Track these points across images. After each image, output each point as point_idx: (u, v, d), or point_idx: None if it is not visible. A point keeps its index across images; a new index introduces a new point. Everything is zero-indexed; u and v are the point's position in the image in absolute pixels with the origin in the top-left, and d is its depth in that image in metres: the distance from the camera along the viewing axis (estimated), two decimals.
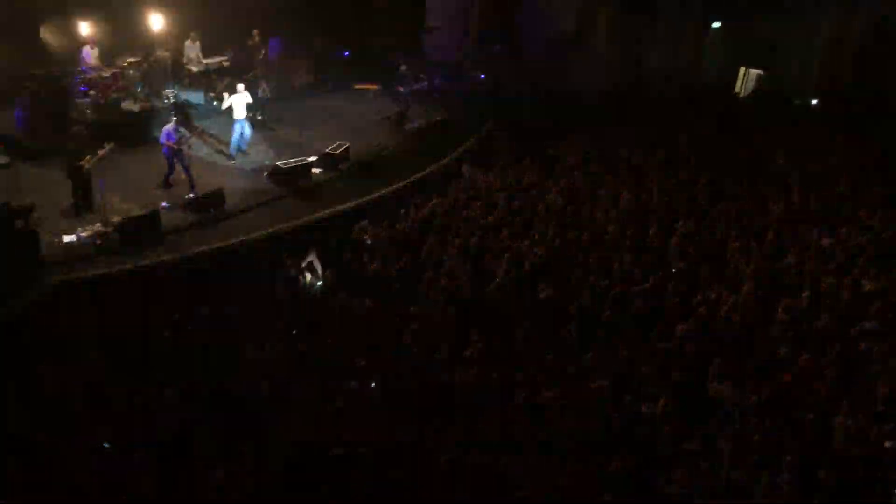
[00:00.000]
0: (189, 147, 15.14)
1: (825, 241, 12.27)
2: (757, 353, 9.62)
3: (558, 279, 11.54)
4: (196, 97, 19.15)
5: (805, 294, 10.75)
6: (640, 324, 10.46)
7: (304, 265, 12.10)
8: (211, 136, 18.09)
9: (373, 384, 9.30)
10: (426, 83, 22.02)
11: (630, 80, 24.08)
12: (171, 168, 15.48)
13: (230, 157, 17.19)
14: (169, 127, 15.27)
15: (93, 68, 17.86)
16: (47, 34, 18.21)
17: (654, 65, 23.67)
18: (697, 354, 9.51)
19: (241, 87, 17.25)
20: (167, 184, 15.50)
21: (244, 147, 17.47)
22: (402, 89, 20.77)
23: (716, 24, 23.38)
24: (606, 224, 13.40)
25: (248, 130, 17.30)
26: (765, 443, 7.95)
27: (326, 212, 15.39)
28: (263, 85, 19.79)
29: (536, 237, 12.86)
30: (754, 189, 14.75)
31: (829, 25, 21.47)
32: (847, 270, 11.28)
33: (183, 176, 15.43)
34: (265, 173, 16.49)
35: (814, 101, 20.81)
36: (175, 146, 15.17)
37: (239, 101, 17.07)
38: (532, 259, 12.07)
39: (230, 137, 17.27)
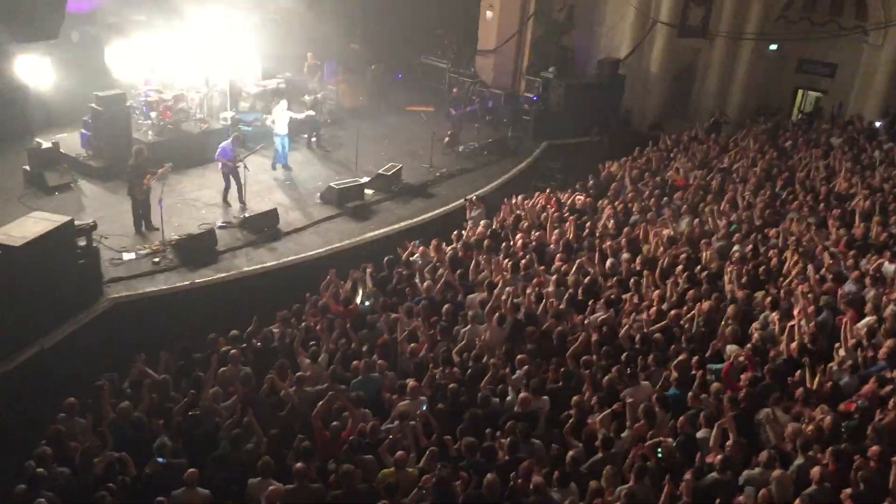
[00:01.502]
0: (244, 166, 15.43)
1: (887, 268, 11.93)
2: (815, 381, 9.37)
3: (610, 303, 11.42)
4: (253, 118, 19.56)
5: (865, 321, 10.45)
6: (695, 350, 10.28)
7: (355, 284, 12.19)
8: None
9: (423, 406, 9.28)
10: (479, 105, 22.13)
11: (685, 102, 23.88)
12: (228, 185, 15.79)
13: (273, 166, 17.59)
14: (225, 144, 15.64)
15: (154, 91, 18.39)
16: (112, 57, 18.74)
17: (709, 88, 23.42)
18: (752, 382, 9.29)
19: (283, 102, 17.61)
20: (225, 201, 15.81)
21: (284, 161, 17.71)
22: (454, 111, 20.89)
23: (773, 47, 23.03)
24: (661, 247, 13.23)
25: (287, 146, 17.60)
26: (823, 477, 7.72)
27: (378, 232, 15.54)
28: (320, 106, 20.08)
29: (587, 260, 12.75)
30: (814, 214, 14.42)
31: (889, 47, 20.97)
32: None
33: (237, 194, 15.76)
34: (318, 194, 16.73)
35: (877, 124, 20.30)
36: (231, 163, 15.49)
37: (281, 116, 17.38)
38: (583, 282, 11.96)
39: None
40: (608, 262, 12.68)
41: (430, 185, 18.04)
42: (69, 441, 8.68)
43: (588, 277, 12.09)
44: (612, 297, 11.59)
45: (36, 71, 16.54)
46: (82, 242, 12.28)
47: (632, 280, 11.99)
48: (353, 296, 12.05)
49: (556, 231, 13.92)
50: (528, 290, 11.78)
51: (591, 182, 16.98)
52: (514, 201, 15.61)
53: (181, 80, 19.32)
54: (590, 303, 11.35)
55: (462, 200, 16.15)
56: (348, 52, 23.87)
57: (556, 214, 14.77)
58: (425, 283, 12.10)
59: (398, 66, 24.40)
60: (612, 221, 14.42)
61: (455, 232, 14.21)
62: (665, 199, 15.63)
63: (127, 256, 13.58)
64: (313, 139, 19.49)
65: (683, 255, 12.74)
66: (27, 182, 15.91)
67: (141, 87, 18.54)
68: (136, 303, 12.53)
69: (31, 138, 17.02)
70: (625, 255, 12.89)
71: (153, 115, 17.82)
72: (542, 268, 12.64)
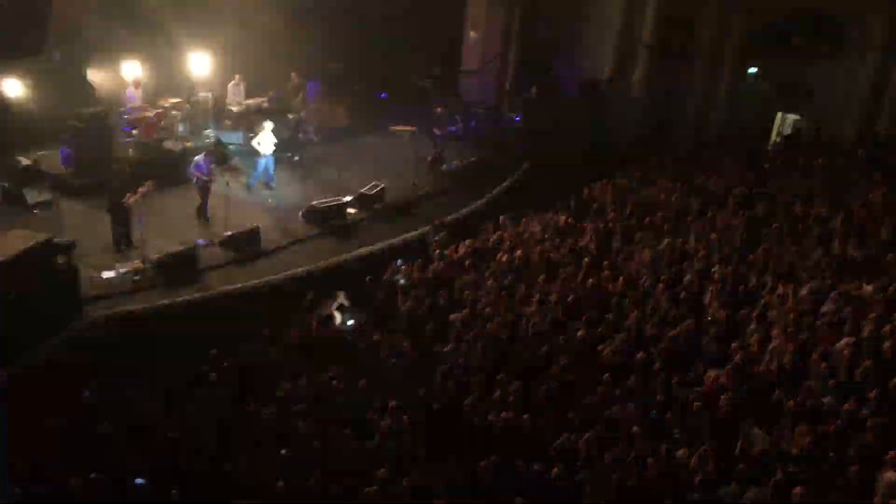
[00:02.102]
0: (227, 184, 15.37)
1: (866, 289, 12.09)
2: (795, 401, 9.46)
3: (591, 323, 11.49)
4: (236, 137, 19.56)
5: (844, 341, 10.58)
6: (675, 369, 10.35)
7: (336, 304, 12.19)
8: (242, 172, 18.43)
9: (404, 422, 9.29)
10: (462, 125, 22.24)
11: (665, 125, 24.12)
12: (205, 200, 15.87)
13: (247, 186, 17.53)
14: (199, 158, 15.71)
15: (136, 108, 18.35)
16: (93, 74, 18.72)
17: (690, 109, 23.70)
18: (733, 402, 9.38)
19: (267, 123, 17.68)
20: (205, 216, 15.88)
21: (270, 182, 17.77)
22: (438, 131, 21.00)
23: (752, 70, 23.38)
24: (641, 268, 13.34)
25: (272, 166, 17.64)
26: (806, 494, 7.79)
27: (360, 251, 15.55)
28: (305, 127, 20.08)
29: (568, 279, 12.83)
30: (794, 236, 14.60)
31: (867, 71, 21.34)
32: (887, 318, 11.09)
33: (213, 211, 15.79)
34: (301, 212, 16.74)
35: (858, 148, 20.61)
36: (205, 177, 15.51)
37: (265, 138, 17.45)
38: (564, 302, 12.03)
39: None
40: (589, 282, 12.76)
41: (414, 205, 18.10)
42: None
43: (570, 297, 12.16)
44: (594, 316, 11.65)
45: (17, 88, 16.51)
46: (61, 260, 12.20)
47: (614, 300, 12.07)
48: (336, 316, 12.06)
49: (539, 250, 14.00)
50: (511, 310, 11.82)
51: (572, 202, 17.10)
52: (500, 221, 15.68)
53: (164, 97, 19.31)
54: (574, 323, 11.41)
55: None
56: (331, 70, 23.97)
57: (537, 234, 14.87)
58: (408, 304, 12.13)
59: (381, 85, 24.51)
60: (593, 243, 14.52)
61: (437, 251, 14.26)
62: (647, 219, 15.79)
63: (107, 274, 13.51)
64: (296, 158, 19.51)
65: (664, 276, 12.85)
66: (6, 200, 15.81)
67: (123, 105, 18.48)
68: (116, 321, 12.45)
69: (11, 156, 16.93)
70: (606, 275, 12.98)
71: (135, 132, 17.78)
72: (525, 287, 12.70)
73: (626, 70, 23.40)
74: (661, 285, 12.51)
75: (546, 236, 14.94)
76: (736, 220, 15.50)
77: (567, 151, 21.60)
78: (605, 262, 13.52)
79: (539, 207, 17.53)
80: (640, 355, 10.59)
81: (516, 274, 13.18)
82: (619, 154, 22.30)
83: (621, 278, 12.92)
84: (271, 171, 17.74)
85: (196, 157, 15.89)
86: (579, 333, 11.23)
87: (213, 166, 15.99)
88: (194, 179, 15.78)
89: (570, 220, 15.96)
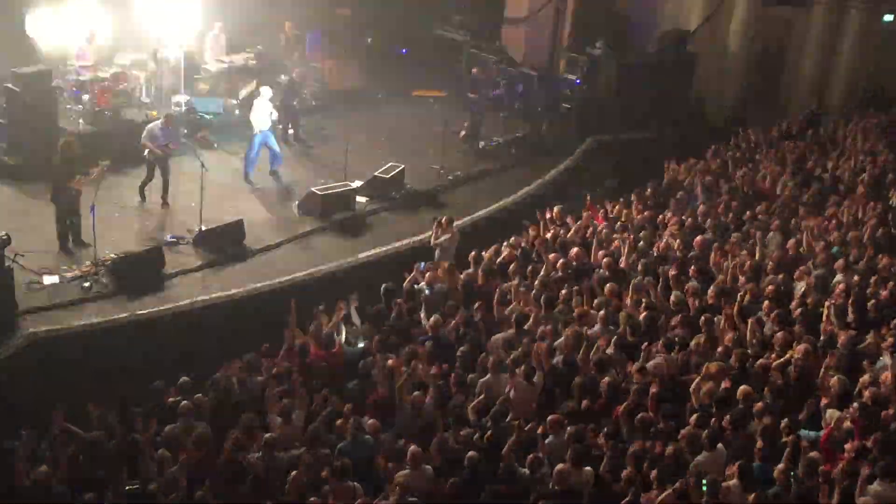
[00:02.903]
0: (202, 166, 15.42)
1: None
2: None
3: (672, 347, 11.38)
4: (214, 105, 19.71)
5: None
6: (784, 409, 10.23)
7: (340, 318, 12.19)
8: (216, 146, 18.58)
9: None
10: (505, 89, 22.21)
11: (772, 89, 23.87)
12: (151, 176, 16.16)
13: (246, 179, 17.62)
14: (153, 126, 15.96)
15: (88, 67, 18.51)
16: (34, 24, 18.90)
17: (805, 69, 23.42)
18: (859, 452, 9.26)
19: (264, 89, 17.77)
20: (142, 194, 16.26)
21: (275, 166, 17.86)
22: (474, 96, 20.98)
23: (888, 17, 23.05)
24: (739, 275, 13.20)
25: (274, 145, 17.69)
26: None
27: (372, 252, 15.58)
28: (301, 90, 20.22)
29: (642, 290, 12.73)
30: None
31: None
32: None
33: (161, 192, 16.14)
34: (296, 202, 16.81)
35: None
36: (160, 151, 15.71)
37: (260, 108, 17.49)
38: (637, 320, 11.94)
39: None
40: (672, 295, 12.65)
41: (442, 192, 18.11)
42: None
43: (645, 313, 12.06)
44: (677, 339, 11.55)
45: None
46: None
47: (702, 318, 11.95)
48: (339, 335, 12.07)
49: (604, 253, 13.91)
50: (567, 330, 11.75)
51: (649, 190, 16.98)
52: (549, 215, 15.63)
53: (123, 53, 19.52)
54: (645, 346, 11.32)
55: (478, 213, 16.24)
56: (337, 19, 24.05)
57: (604, 231, 14.78)
58: (433, 319, 12.11)
59: (402, 37, 24.57)
60: (677, 241, 14.39)
61: (473, 252, 14.22)
62: (747, 213, 15.62)
63: (49, 280, 13.63)
64: (290, 131, 19.61)
65: (770, 287, 12.71)
66: None
67: (72, 63, 18.68)
68: (59, 339, 12.57)
69: None
70: (693, 285, 12.87)
71: (86, 98, 17.98)
72: (586, 300, 12.62)
73: (721, 17, 23.20)
74: (765, 300, 12.37)
75: (614, 234, 14.82)
76: (866, 213, 15.27)
77: (642, 124, 21.52)
78: (692, 269, 13.38)
79: (605, 196, 17.44)
80: (738, 391, 10.46)
81: (574, 283, 13.09)
82: (711, 127, 22.13)
83: (712, 289, 12.79)
84: (277, 150, 17.82)
85: (150, 125, 16.08)
86: (656, 361, 11.13)
87: (177, 138, 16.15)
88: (145, 152, 15.95)
89: (645, 212, 15.84)
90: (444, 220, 14.86)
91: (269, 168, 17.92)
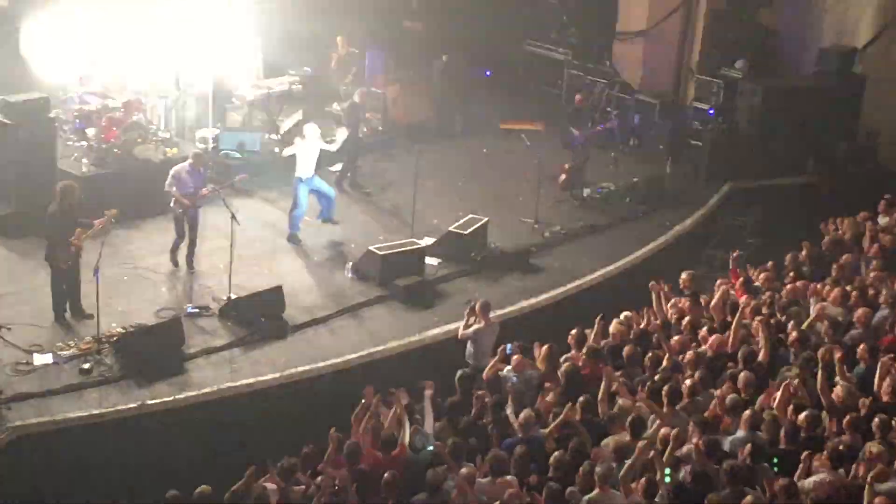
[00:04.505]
0: (233, 218, 15.54)
1: None
2: None
3: (840, 457, 11.12)
4: (249, 141, 20.06)
5: None
6: None
7: (404, 412, 12.15)
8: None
9: None
10: (617, 121, 22.19)
11: None
12: (181, 235, 16.33)
13: (292, 236, 17.84)
14: (180, 168, 16.10)
15: (95, 94, 18.94)
16: (30, 44, 19.38)
17: None
18: None
19: (311, 127, 17.95)
20: (174, 261, 16.41)
21: (329, 214, 18.12)
22: (577, 132, 21.00)
23: None
24: None
25: (323, 186, 17.94)
26: None
27: (446, 328, 15.53)
28: (356, 119, 20.34)
29: (799, 384, 12.49)
30: None
31: None
32: None
33: (186, 252, 16.40)
34: (349, 263, 16.92)
35: None
36: (186, 201, 15.91)
37: (307, 150, 17.69)
38: (791, 423, 11.71)
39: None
40: (837, 390, 12.39)
41: (535, 253, 18.10)
42: None
43: (802, 415, 11.83)
44: (844, 448, 11.29)
45: None
46: None
47: (876, 421, 11.69)
48: (402, 433, 12.02)
49: (744, 334, 13.71)
50: (696, 435, 11.57)
51: (804, 251, 16.74)
52: (671, 284, 15.48)
53: (137, 77, 19.84)
54: (804, 456, 11.08)
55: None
56: (404, 34, 24.35)
57: (745, 306, 14.58)
58: (523, 415, 12.02)
59: (486, 56, 24.73)
60: (840, 319, 14.13)
61: (574, 331, 14.11)
62: None
63: (40, 360, 13.81)
64: (348, 175, 19.77)
65: None
66: None
67: (74, 89, 19.09)
68: (52, 435, 12.69)
69: None
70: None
71: (91, 132, 18.31)
72: (720, 394, 12.43)
73: None
74: None
75: (757, 308, 14.61)
76: None
77: (794, 166, 21.29)
78: (860, 351, 13.09)
79: (746, 260, 17.21)
80: None
81: (705, 373, 12.90)
82: (885, 172, 21.77)
83: (888, 382, 12.49)
84: (328, 191, 18.03)
85: (175, 168, 16.21)
86: (818, 477, 10.88)
87: (206, 183, 16.31)
88: (171, 203, 16.14)
89: (799, 282, 15.61)
90: (477, 304, 14.59)
91: (319, 216, 18.14)
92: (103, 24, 19.34)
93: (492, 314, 14.73)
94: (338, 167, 19.96)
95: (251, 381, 14.12)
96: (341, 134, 18.29)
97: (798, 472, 10.98)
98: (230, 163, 19.42)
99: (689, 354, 13.28)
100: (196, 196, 16.10)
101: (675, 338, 13.73)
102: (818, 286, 15.52)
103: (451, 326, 15.51)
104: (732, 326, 14.00)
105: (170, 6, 19.45)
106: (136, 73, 19.93)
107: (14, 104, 17.06)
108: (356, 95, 20.39)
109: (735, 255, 16.47)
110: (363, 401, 12.20)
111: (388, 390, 12.36)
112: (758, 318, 14.19)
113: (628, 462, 11.11)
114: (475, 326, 14.41)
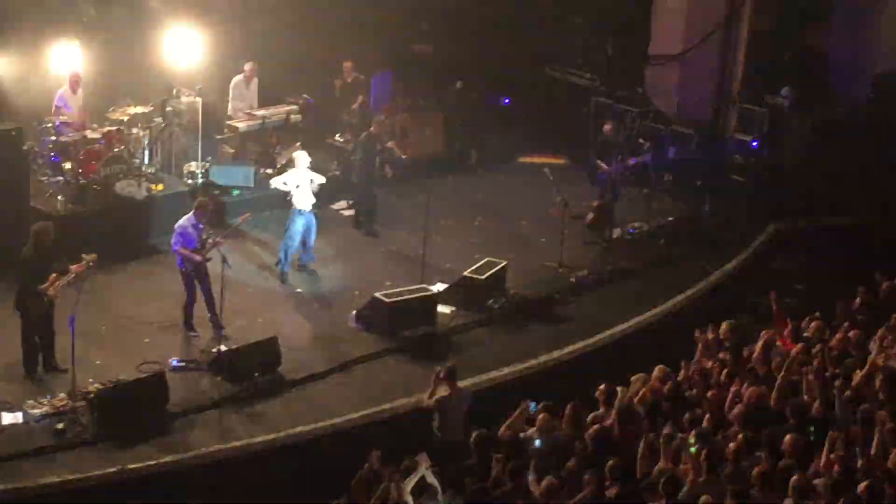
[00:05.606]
0: (224, 261, 15.58)
1: None
2: None
3: None
4: (243, 175, 20.13)
5: None
6: None
7: (412, 481, 12.11)
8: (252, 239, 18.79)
9: None
10: (650, 154, 22.20)
11: None
12: (192, 296, 16.15)
13: (280, 274, 17.91)
14: (185, 223, 15.94)
15: (72, 124, 18.95)
16: (4, 66, 19.45)
17: None
18: None
19: (301, 155, 18.04)
20: (189, 323, 16.19)
21: (307, 261, 18.18)
22: (605, 166, 21.02)
23: None
24: None
25: (313, 230, 17.99)
26: None
27: (460, 384, 15.47)
28: (371, 148, 20.35)
29: (850, 443, 12.41)
30: None
31: None
32: None
33: (207, 312, 16.15)
34: (353, 312, 16.90)
35: None
36: (196, 258, 15.82)
37: (299, 180, 17.76)
38: (847, 490, 11.62)
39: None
40: (894, 457, 12.30)
41: (560, 300, 18.10)
42: None
43: (862, 485, 11.73)
44: None
45: None
46: None
47: None
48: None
49: (789, 387, 13.65)
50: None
51: (859, 299, 16.69)
52: (712, 334, 15.44)
53: (119, 104, 19.89)
54: None
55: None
56: (414, 58, 24.43)
57: (794, 359, 14.52)
58: (545, 483, 11.96)
59: (503, 82, 24.80)
60: None
61: (602, 387, 14.05)
62: None
63: (9, 418, 13.79)
64: (352, 211, 19.81)
65: None
66: None
67: (50, 119, 19.05)
68: (21, 502, 12.64)
69: None
70: None
71: (68, 166, 18.39)
72: (766, 460, 12.36)
73: None
74: None
75: (806, 361, 14.55)
76: None
77: (846, 204, 21.29)
78: None
79: (793, 308, 17.17)
80: None
81: (749, 433, 12.82)
82: None
83: None
84: (311, 241, 18.09)
85: (179, 224, 15.98)
86: None
87: (208, 233, 16.03)
88: (178, 261, 16.01)
89: (851, 332, 15.54)
90: (443, 371, 14.20)
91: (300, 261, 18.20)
92: (82, 48, 19.39)
93: (461, 382, 14.46)
94: (339, 205, 20.01)
95: (243, 442, 14.07)
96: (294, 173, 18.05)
97: None
98: (223, 200, 19.46)
99: (734, 412, 13.21)
100: (205, 248, 15.86)
101: (711, 392, 13.64)
102: (874, 337, 15.47)
103: (467, 383, 15.42)
104: (778, 380, 13.94)
105: (156, 27, 19.51)
106: (118, 101, 20.00)
107: None
108: (373, 125, 20.44)
109: (780, 301, 16.41)
110: (366, 466, 12.15)
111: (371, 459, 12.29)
112: (805, 367, 14.13)
113: None
114: (440, 394, 14.06)
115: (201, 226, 15.91)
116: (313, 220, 17.93)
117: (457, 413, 14.02)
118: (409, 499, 11.96)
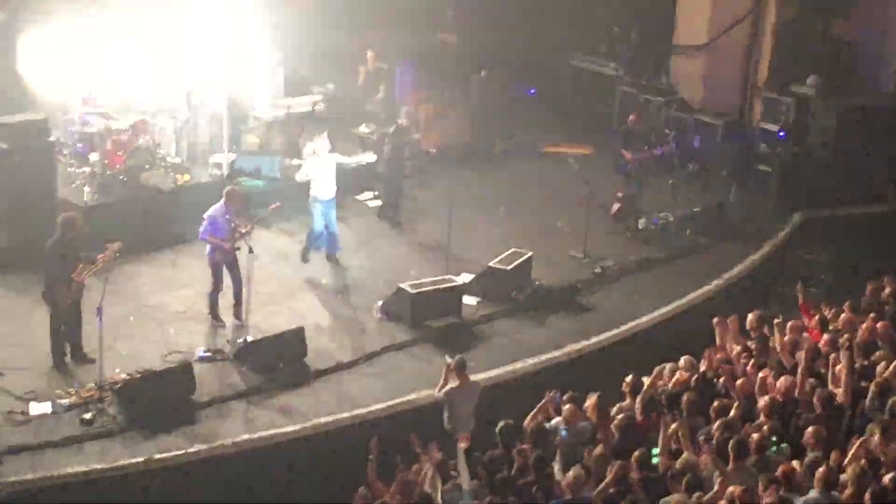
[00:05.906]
0: (249, 249, 15.61)
1: None
2: None
3: None
4: (268, 165, 20.21)
5: None
6: None
7: (439, 469, 12.12)
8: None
9: None
10: (675, 144, 22.15)
11: None
12: (219, 285, 16.21)
13: (303, 257, 18.05)
14: (216, 212, 16.00)
15: (99, 115, 19.11)
16: (29, 60, 19.57)
17: None
18: None
19: (322, 142, 18.07)
20: (214, 313, 16.26)
21: (333, 251, 18.24)
22: (630, 156, 20.98)
23: None
24: None
25: (334, 222, 18.05)
26: None
27: (486, 375, 15.49)
28: (400, 139, 20.32)
29: (880, 442, 12.37)
30: None
31: None
32: None
33: (232, 300, 16.19)
34: (379, 303, 16.95)
35: None
36: (226, 246, 15.88)
37: (322, 169, 17.86)
38: (872, 487, 11.58)
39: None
40: None
41: (585, 292, 18.12)
42: None
43: (888, 476, 11.70)
44: None
45: None
46: None
47: None
48: (435, 493, 11.99)
49: (815, 378, 13.62)
50: (767, 494, 11.48)
51: (888, 289, 16.63)
52: (732, 324, 15.40)
53: (145, 97, 20.03)
54: None
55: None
56: (438, 47, 24.40)
57: (820, 349, 14.48)
58: (572, 473, 11.97)
59: (528, 72, 24.76)
60: None
61: (630, 377, 14.04)
62: None
63: (37, 409, 13.84)
64: (396, 206, 19.82)
65: None
66: None
67: (76, 110, 19.25)
68: (48, 491, 12.67)
69: None
70: None
71: (94, 157, 18.49)
72: (792, 451, 12.35)
73: None
74: None
75: (832, 351, 14.50)
76: None
77: (874, 193, 21.26)
78: None
79: (821, 298, 17.13)
80: None
81: (777, 424, 12.81)
82: None
83: None
84: (334, 228, 18.15)
85: (209, 213, 16.04)
86: None
87: (237, 223, 15.92)
88: (208, 251, 16.09)
89: (879, 323, 15.47)
90: (452, 363, 14.20)
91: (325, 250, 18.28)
92: (108, 39, 19.50)
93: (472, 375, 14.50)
94: (365, 196, 20.07)
95: (269, 433, 14.09)
96: (314, 160, 18.16)
97: None
98: (250, 188, 19.37)
99: (761, 403, 13.18)
100: (234, 237, 15.83)
101: (739, 381, 13.63)
102: None
103: (492, 373, 15.51)
104: (800, 369, 13.88)
105: (180, 17, 19.52)
106: (144, 91, 20.09)
107: (10, 126, 17.18)
108: (402, 116, 20.48)
109: (806, 291, 16.35)
110: (371, 455, 12.13)
111: (412, 443, 12.31)
112: (833, 355, 14.08)
113: None
114: (449, 386, 14.05)
115: (230, 215, 15.92)
116: (332, 209, 17.95)
117: (466, 405, 14.02)
118: (437, 483, 12.00)
